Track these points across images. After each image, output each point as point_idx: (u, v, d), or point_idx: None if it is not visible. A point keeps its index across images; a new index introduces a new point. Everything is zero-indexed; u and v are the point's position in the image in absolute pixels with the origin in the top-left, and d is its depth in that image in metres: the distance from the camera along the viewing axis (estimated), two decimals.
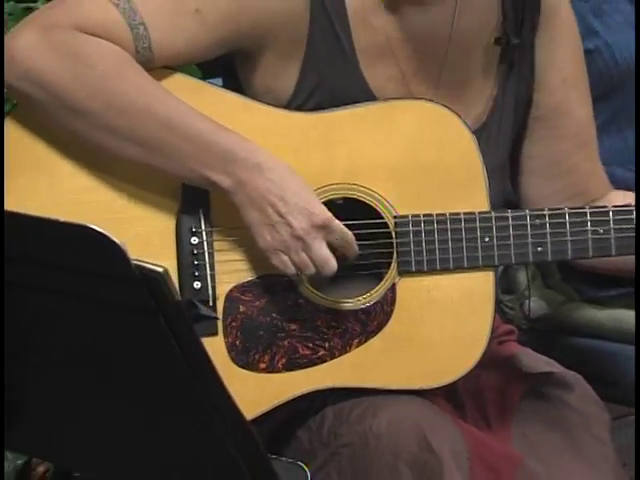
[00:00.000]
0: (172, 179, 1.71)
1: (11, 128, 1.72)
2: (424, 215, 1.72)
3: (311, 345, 1.73)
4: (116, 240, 1.14)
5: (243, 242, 1.72)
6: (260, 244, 1.68)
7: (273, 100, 1.75)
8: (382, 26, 1.77)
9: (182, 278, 1.72)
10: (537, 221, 1.74)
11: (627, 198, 1.88)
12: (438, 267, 1.73)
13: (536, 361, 1.89)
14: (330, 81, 1.76)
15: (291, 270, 1.67)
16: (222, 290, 1.73)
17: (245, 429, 1.22)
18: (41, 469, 2.38)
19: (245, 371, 1.72)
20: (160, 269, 1.16)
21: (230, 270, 1.73)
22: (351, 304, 1.74)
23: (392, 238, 1.73)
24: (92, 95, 1.67)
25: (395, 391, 1.73)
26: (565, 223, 1.74)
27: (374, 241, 1.73)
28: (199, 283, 1.72)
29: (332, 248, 1.68)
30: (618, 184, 2.06)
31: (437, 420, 1.69)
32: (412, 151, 1.73)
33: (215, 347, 1.71)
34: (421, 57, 1.79)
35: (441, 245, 1.73)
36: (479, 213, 1.73)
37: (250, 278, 1.74)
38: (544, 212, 1.74)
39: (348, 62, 1.76)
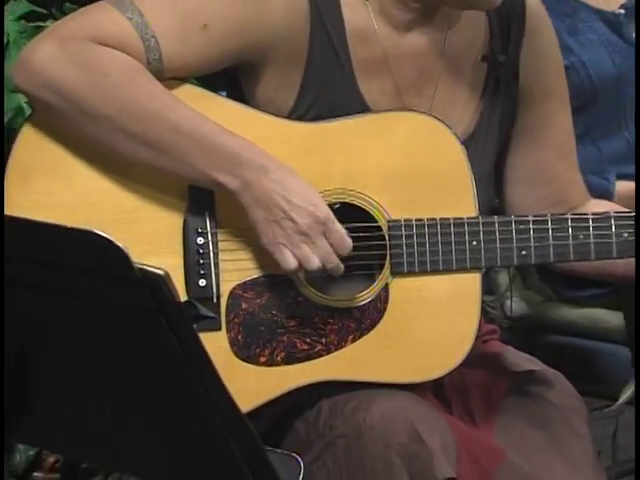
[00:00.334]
0: (180, 182, 1.71)
1: (29, 134, 1.72)
2: (416, 219, 1.72)
3: (309, 340, 1.73)
4: (119, 244, 1.14)
5: (246, 242, 1.72)
6: (264, 241, 1.67)
7: (274, 111, 1.75)
8: (378, 43, 1.77)
9: (188, 276, 1.71)
10: (521, 226, 1.74)
11: (604, 207, 1.88)
12: (428, 268, 1.73)
13: (518, 359, 1.89)
14: (328, 95, 1.76)
15: (292, 263, 1.66)
16: (226, 288, 1.72)
17: (242, 423, 1.22)
18: (51, 460, 2.37)
19: (247, 364, 1.72)
20: (161, 272, 1.16)
21: (234, 269, 1.72)
22: (347, 302, 1.73)
23: (386, 241, 1.73)
24: (106, 101, 1.67)
25: (387, 385, 1.72)
26: (548, 229, 1.74)
27: (369, 243, 1.73)
28: (204, 281, 1.72)
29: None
30: (594, 191, 2.06)
31: (427, 413, 1.69)
32: (405, 159, 1.74)
33: (218, 341, 1.71)
34: (415, 73, 1.80)
35: (431, 248, 1.73)
36: (467, 218, 1.73)
37: (252, 277, 1.73)
38: (528, 218, 1.74)
39: (345, 77, 1.77)
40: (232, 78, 1.79)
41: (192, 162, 1.67)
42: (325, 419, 1.71)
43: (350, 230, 1.70)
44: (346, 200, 1.72)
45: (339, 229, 1.67)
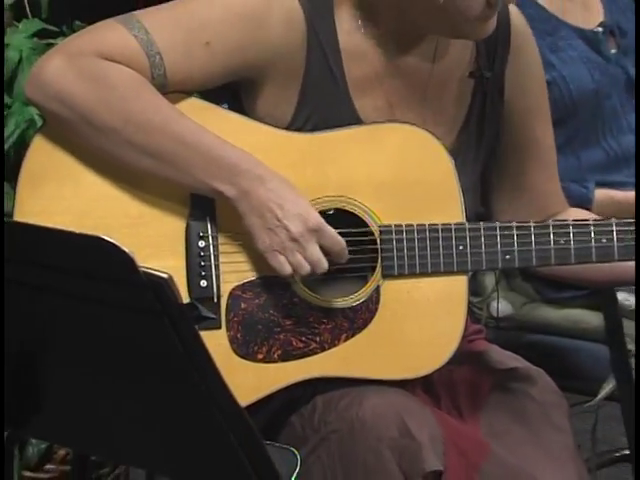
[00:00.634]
0: (183, 189, 1.70)
1: (40, 143, 1.72)
2: (406, 225, 1.72)
3: (304, 339, 1.73)
4: (125, 249, 1.14)
5: (245, 246, 1.71)
6: (259, 246, 1.67)
7: (273, 123, 1.74)
8: (371, 64, 1.77)
9: (190, 277, 1.71)
10: (506, 232, 1.73)
11: (580, 214, 1.89)
12: (418, 271, 1.72)
13: (503, 357, 1.88)
14: (324, 110, 1.75)
15: (287, 269, 1.66)
16: (226, 288, 1.72)
17: (242, 418, 1.22)
18: (62, 452, 2.37)
19: (245, 361, 1.71)
20: (165, 275, 1.16)
21: (233, 271, 1.72)
22: (340, 303, 1.73)
23: (377, 245, 1.72)
24: (113, 114, 1.66)
25: (378, 381, 1.72)
26: (530, 234, 1.73)
27: (361, 247, 1.72)
28: (205, 282, 1.71)
29: (324, 252, 1.67)
30: (574, 198, 2.06)
31: (416, 409, 1.68)
32: (396, 168, 1.73)
33: (219, 339, 1.70)
34: (406, 90, 1.79)
35: (420, 252, 1.72)
36: (455, 224, 1.73)
37: (251, 278, 1.73)
38: (512, 224, 1.73)
39: (340, 93, 1.76)
40: (233, 92, 1.78)
41: (193, 171, 1.67)
42: (320, 414, 1.71)
43: (343, 235, 1.69)
44: (340, 207, 1.72)
45: (331, 233, 1.66)
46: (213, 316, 1.70)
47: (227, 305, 1.72)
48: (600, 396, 2.25)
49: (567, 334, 2.39)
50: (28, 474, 2.37)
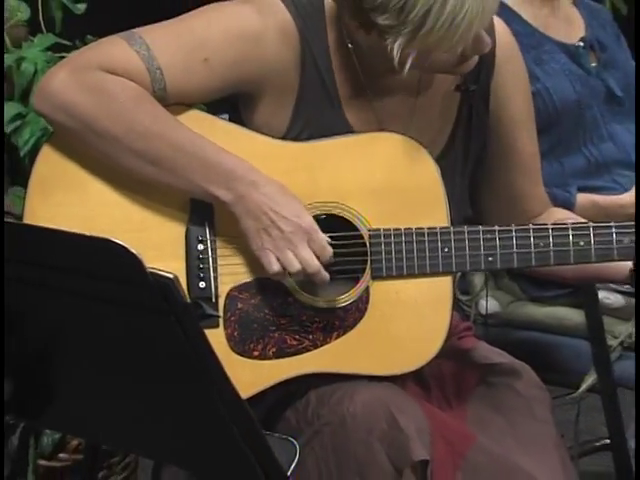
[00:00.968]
0: (182, 196, 1.70)
1: (48, 152, 1.72)
2: (394, 229, 1.71)
3: (297, 337, 1.72)
4: (134, 251, 1.13)
5: (241, 249, 1.70)
6: (253, 247, 1.67)
7: (269, 133, 1.74)
8: (361, 82, 1.76)
9: (190, 279, 1.70)
10: (488, 235, 1.72)
11: (561, 214, 1.89)
12: (405, 273, 1.72)
13: (490, 352, 1.88)
14: (318, 121, 1.75)
15: (276, 267, 1.65)
16: (223, 289, 1.71)
17: (243, 409, 1.21)
18: (75, 442, 2.36)
19: (242, 358, 1.71)
20: (171, 275, 1.16)
21: (230, 273, 1.72)
22: (332, 303, 1.72)
23: (367, 248, 1.71)
24: (115, 123, 1.66)
25: (369, 377, 1.71)
26: (512, 238, 1.72)
27: (352, 250, 1.71)
28: (204, 283, 1.71)
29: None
30: (557, 202, 2.05)
31: (404, 403, 1.67)
32: (385, 175, 1.72)
33: (217, 338, 1.70)
34: (393, 106, 1.79)
35: (408, 254, 1.71)
36: (440, 228, 1.72)
37: (247, 280, 1.72)
38: (494, 228, 1.72)
39: (333, 107, 1.76)
40: (232, 104, 1.78)
41: (191, 177, 1.66)
42: (313, 408, 1.70)
43: (335, 239, 1.69)
44: (332, 212, 1.71)
45: (321, 238, 1.66)
46: (217, 314, 1.70)
47: (225, 305, 1.71)
48: (582, 389, 2.24)
49: (551, 330, 2.38)
50: (43, 462, 2.37)
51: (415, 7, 1.58)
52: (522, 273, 2.40)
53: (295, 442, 1.56)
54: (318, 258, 1.66)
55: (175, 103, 1.71)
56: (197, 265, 1.71)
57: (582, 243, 1.72)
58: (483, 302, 2.41)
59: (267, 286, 1.71)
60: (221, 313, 1.71)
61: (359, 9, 1.63)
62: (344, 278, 1.73)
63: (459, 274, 2.38)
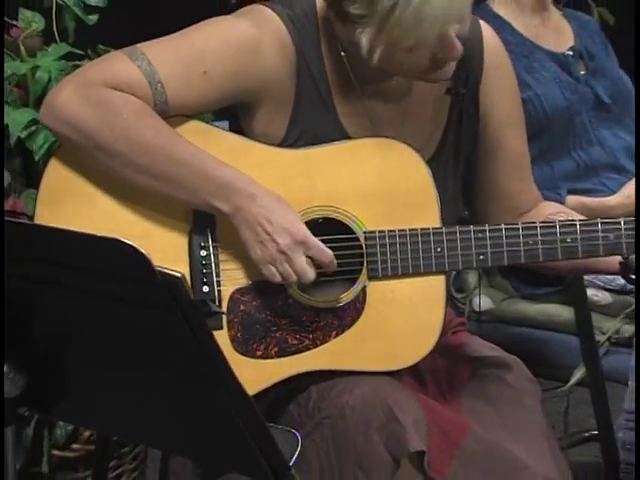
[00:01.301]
0: (185, 206, 1.70)
1: (56, 165, 1.71)
2: (388, 231, 1.70)
3: (298, 336, 1.71)
4: (142, 250, 1.13)
5: (242, 254, 1.70)
6: (253, 257, 1.67)
7: (267, 141, 1.73)
8: (354, 88, 1.75)
9: (194, 283, 1.70)
10: (479, 235, 1.71)
11: (551, 208, 1.88)
12: (400, 272, 1.71)
13: (482, 347, 1.87)
14: (314, 128, 1.74)
15: (278, 279, 1.66)
16: (226, 293, 1.71)
17: (247, 402, 1.20)
18: (87, 433, 2.36)
19: (245, 357, 1.71)
20: (178, 274, 1.15)
21: (232, 277, 1.71)
22: (330, 303, 1.71)
23: (363, 250, 1.71)
24: (118, 138, 1.65)
25: (367, 372, 1.71)
26: (502, 236, 1.71)
27: (348, 252, 1.71)
28: (207, 287, 1.70)
29: (313, 262, 1.67)
30: None
31: (401, 396, 1.67)
32: (379, 179, 1.71)
33: (220, 338, 1.69)
34: (386, 111, 1.78)
35: (402, 255, 1.70)
36: (433, 229, 1.71)
37: (248, 283, 1.71)
38: (485, 228, 1.71)
39: (329, 114, 1.75)
40: (232, 113, 1.78)
41: (192, 190, 1.66)
42: (314, 402, 1.70)
43: (332, 241, 1.68)
44: (328, 215, 1.70)
45: (316, 244, 1.65)
46: (221, 310, 1.70)
47: (227, 307, 1.71)
48: (571, 382, 2.24)
49: (542, 326, 2.38)
50: (57, 453, 2.36)
51: None
52: (514, 271, 2.40)
53: (297, 433, 1.56)
54: (317, 263, 1.66)
55: (176, 115, 1.70)
56: (200, 270, 1.70)
57: (569, 240, 1.71)
58: (477, 299, 2.41)
59: (268, 288, 1.71)
60: (224, 315, 1.71)
61: None
62: (342, 279, 1.72)
63: (453, 273, 2.39)
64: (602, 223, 1.71)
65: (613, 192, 2.37)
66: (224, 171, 1.67)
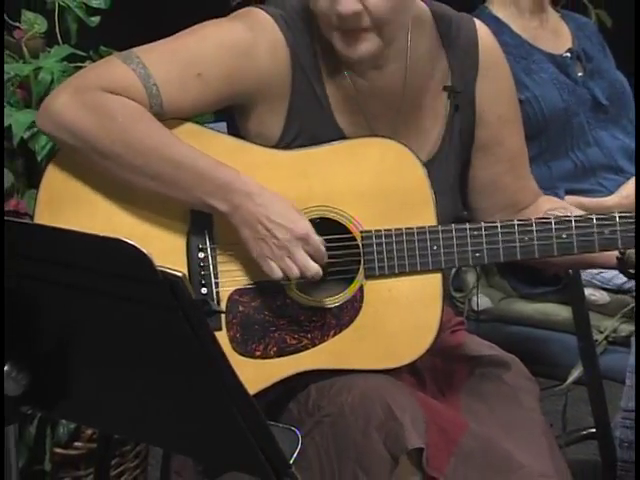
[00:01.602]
0: (183, 207, 1.69)
1: (54, 172, 1.72)
2: (385, 230, 1.70)
3: (296, 336, 1.71)
4: (144, 250, 1.13)
5: (240, 255, 1.70)
6: (253, 254, 1.66)
7: (264, 141, 1.73)
8: (349, 86, 1.76)
9: (192, 285, 1.69)
10: (475, 232, 1.70)
11: (549, 202, 1.87)
12: (397, 271, 1.70)
13: (481, 346, 1.87)
14: (310, 128, 1.74)
15: (278, 274, 1.65)
16: (224, 294, 1.71)
17: (248, 400, 1.20)
18: (89, 432, 2.36)
19: (244, 358, 1.70)
20: (180, 273, 1.15)
21: (230, 278, 1.71)
22: (328, 303, 1.71)
23: (360, 249, 1.70)
24: (114, 141, 1.66)
25: (365, 371, 1.70)
26: (497, 234, 1.70)
27: (345, 251, 1.70)
28: (206, 289, 1.70)
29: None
30: None
31: (399, 394, 1.66)
32: (375, 178, 1.71)
33: (220, 339, 1.64)
34: (381, 107, 1.78)
35: (399, 253, 1.70)
36: (429, 227, 1.70)
37: (247, 284, 1.71)
38: (480, 225, 1.71)
39: (325, 113, 1.75)
40: (229, 114, 1.78)
41: (190, 190, 1.66)
42: (314, 400, 1.69)
43: (329, 241, 1.68)
44: (325, 215, 1.70)
45: (315, 241, 1.65)
46: (223, 310, 1.70)
47: (226, 308, 1.70)
48: (569, 381, 2.24)
49: (540, 326, 2.38)
50: (59, 450, 2.36)
51: None
52: (513, 271, 2.41)
53: (297, 431, 1.56)
54: (315, 259, 1.66)
55: (172, 117, 1.70)
56: (199, 272, 1.70)
57: (564, 236, 1.70)
58: (476, 299, 2.41)
59: (266, 289, 1.70)
60: (223, 316, 1.70)
61: None
62: (339, 279, 1.72)
63: (452, 272, 2.39)
64: (597, 219, 1.71)
65: (611, 192, 2.38)
66: (221, 171, 1.67)
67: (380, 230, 1.70)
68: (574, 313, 2.26)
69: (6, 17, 2.35)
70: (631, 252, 1.72)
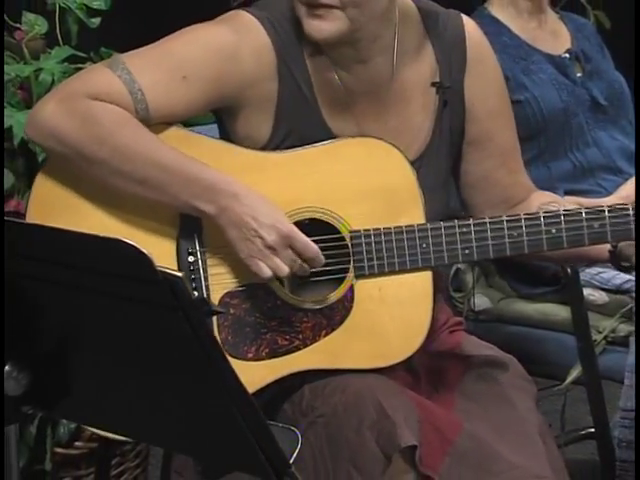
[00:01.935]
0: (172, 212, 1.69)
1: (44, 180, 1.72)
2: (374, 229, 1.69)
3: (288, 337, 1.70)
4: (144, 250, 1.13)
5: (230, 258, 1.69)
6: (240, 255, 1.66)
7: (253, 144, 1.73)
8: (336, 82, 1.76)
9: None
10: (464, 229, 1.70)
11: (543, 197, 1.86)
12: (386, 270, 1.70)
13: (479, 346, 1.86)
14: (299, 129, 1.74)
15: (267, 272, 1.65)
16: (215, 297, 1.70)
17: (248, 400, 1.19)
18: (89, 431, 2.36)
19: (237, 360, 1.69)
20: (179, 274, 1.15)
21: (221, 281, 1.71)
22: (318, 303, 1.71)
23: (349, 249, 1.70)
24: (101, 146, 1.66)
25: (358, 370, 1.70)
26: (487, 230, 1.70)
27: (335, 252, 1.70)
28: (196, 292, 1.69)
29: (300, 256, 1.66)
30: None
31: (392, 393, 1.66)
32: (363, 178, 1.70)
33: None
34: (369, 105, 1.77)
35: (388, 252, 1.69)
36: (417, 225, 1.70)
37: (237, 286, 1.71)
38: (469, 222, 1.70)
39: (312, 113, 1.75)
40: (218, 117, 1.79)
41: (176, 194, 1.66)
42: (308, 401, 1.69)
43: (318, 242, 1.67)
44: (315, 216, 1.69)
45: (302, 239, 1.65)
46: (222, 310, 1.69)
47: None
48: (568, 381, 2.24)
49: (539, 326, 2.38)
50: (60, 450, 2.36)
51: None
52: (512, 271, 2.41)
53: (297, 431, 1.55)
54: (304, 259, 1.65)
55: (159, 122, 1.70)
56: (189, 276, 1.69)
57: (554, 230, 1.69)
58: (475, 299, 2.41)
59: (256, 291, 1.70)
60: (215, 319, 1.70)
61: None
62: (329, 279, 1.71)
63: (452, 272, 2.39)
64: (586, 212, 1.70)
65: (609, 193, 2.35)
66: (207, 173, 1.66)
67: (369, 230, 1.69)
68: (573, 313, 2.25)
69: (7, 18, 2.35)
70: (623, 245, 1.72)
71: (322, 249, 1.68)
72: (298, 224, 1.68)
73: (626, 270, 1.73)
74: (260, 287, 1.69)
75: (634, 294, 2.25)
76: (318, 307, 1.71)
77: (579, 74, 2.46)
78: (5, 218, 1.24)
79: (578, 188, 2.38)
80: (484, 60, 1.83)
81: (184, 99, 1.70)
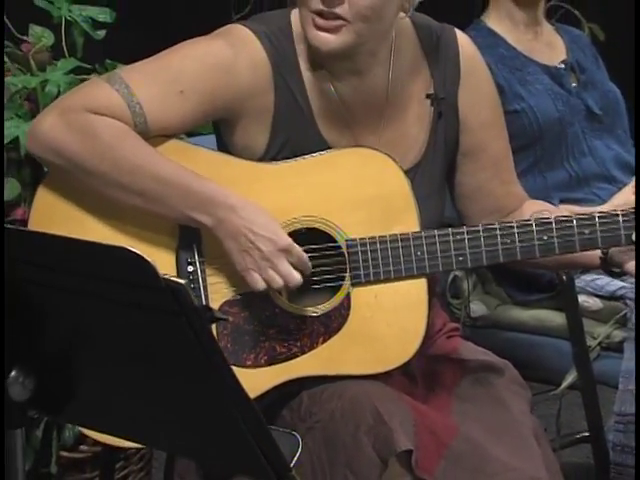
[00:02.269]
0: (171, 223, 1.70)
1: (45, 194, 1.72)
2: (369, 238, 1.69)
3: (286, 344, 1.71)
4: (148, 258, 1.13)
5: (228, 268, 1.69)
6: (237, 266, 1.66)
7: (250, 154, 1.74)
8: (332, 94, 1.76)
9: None
10: (458, 237, 1.70)
11: (535, 206, 1.87)
12: (382, 277, 1.70)
13: (475, 352, 1.86)
14: (295, 140, 1.74)
15: (261, 285, 1.65)
16: (215, 306, 1.70)
17: (249, 405, 1.19)
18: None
19: (236, 368, 1.66)
20: (183, 281, 1.15)
21: (219, 290, 1.71)
22: (316, 311, 1.71)
23: (346, 257, 1.70)
24: (101, 160, 1.66)
25: (355, 376, 1.70)
26: (480, 237, 1.70)
27: (331, 260, 1.70)
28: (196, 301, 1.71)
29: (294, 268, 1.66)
30: None
31: (389, 398, 1.66)
32: (358, 187, 1.70)
33: None
34: (364, 116, 1.78)
35: (384, 260, 1.69)
36: (412, 233, 1.70)
37: (236, 295, 1.71)
38: (463, 230, 1.71)
39: (309, 125, 1.75)
40: (216, 128, 1.79)
41: (175, 206, 1.66)
42: (306, 407, 1.69)
43: (315, 250, 1.68)
44: (311, 225, 1.70)
45: (298, 252, 1.65)
46: (225, 317, 1.69)
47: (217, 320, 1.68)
48: (563, 386, 2.24)
49: (534, 332, 2.38)
50: (65, 454, 2.36)
51: None
52: (508, 279, 2.41)
53: (297, 436, 1.56)
54: (299, 270, 1.66)
55: (157, 135, 1.70)
56: (188, 285, 1.70)
57: (546, 237, 1.70)
58: (472, 306, 2.41)
59: (255, 300, 1.70)
60: (214, 327, 1.70)
61: None
62: (327, 287, 1.71)
63: (449, 279, 2.39)
64: (577, 219, 1.70)
65: (604, 201, 2.37)
66: (205, 186, 1.67)
67: (365, 238, 1.70)
68: (568, 319, 2.25)
69: (14, 31, 2.36)
70: (613, 251, 1.72)
71: (319, 257, 1.68)
72: (295, 233, 1.68)
73: (617, 276, 1.74)
74: (258, 296, 1.69)
75: (629, 300, 2.25)
76: (316, 315, 1.71)
77: (574, 84, 2.47)
78: (13, 226, 1.24)
79: (573, 197, 2.38)
80: (477, 73, 1.83)
81: (181, 112, 1.70)
